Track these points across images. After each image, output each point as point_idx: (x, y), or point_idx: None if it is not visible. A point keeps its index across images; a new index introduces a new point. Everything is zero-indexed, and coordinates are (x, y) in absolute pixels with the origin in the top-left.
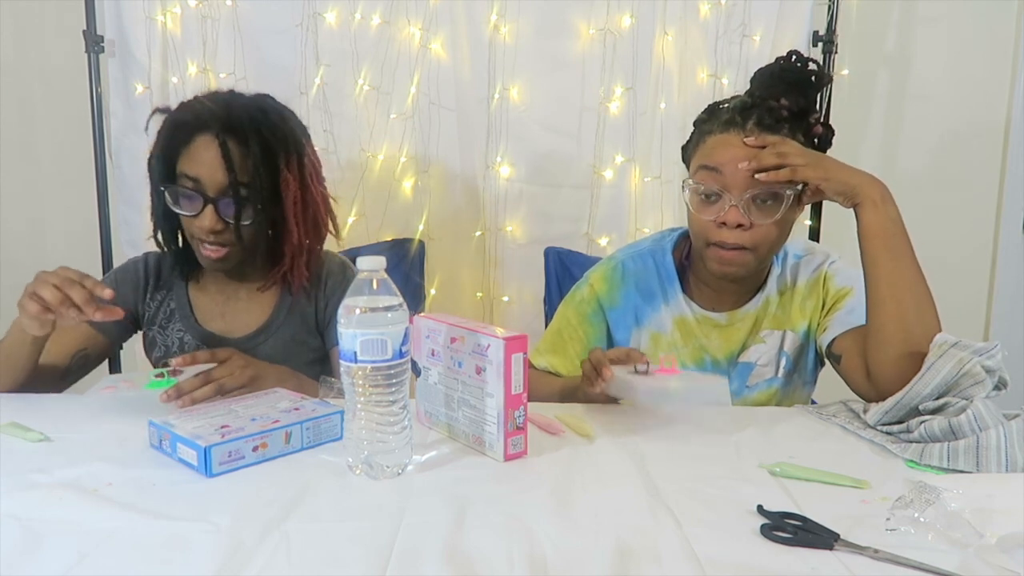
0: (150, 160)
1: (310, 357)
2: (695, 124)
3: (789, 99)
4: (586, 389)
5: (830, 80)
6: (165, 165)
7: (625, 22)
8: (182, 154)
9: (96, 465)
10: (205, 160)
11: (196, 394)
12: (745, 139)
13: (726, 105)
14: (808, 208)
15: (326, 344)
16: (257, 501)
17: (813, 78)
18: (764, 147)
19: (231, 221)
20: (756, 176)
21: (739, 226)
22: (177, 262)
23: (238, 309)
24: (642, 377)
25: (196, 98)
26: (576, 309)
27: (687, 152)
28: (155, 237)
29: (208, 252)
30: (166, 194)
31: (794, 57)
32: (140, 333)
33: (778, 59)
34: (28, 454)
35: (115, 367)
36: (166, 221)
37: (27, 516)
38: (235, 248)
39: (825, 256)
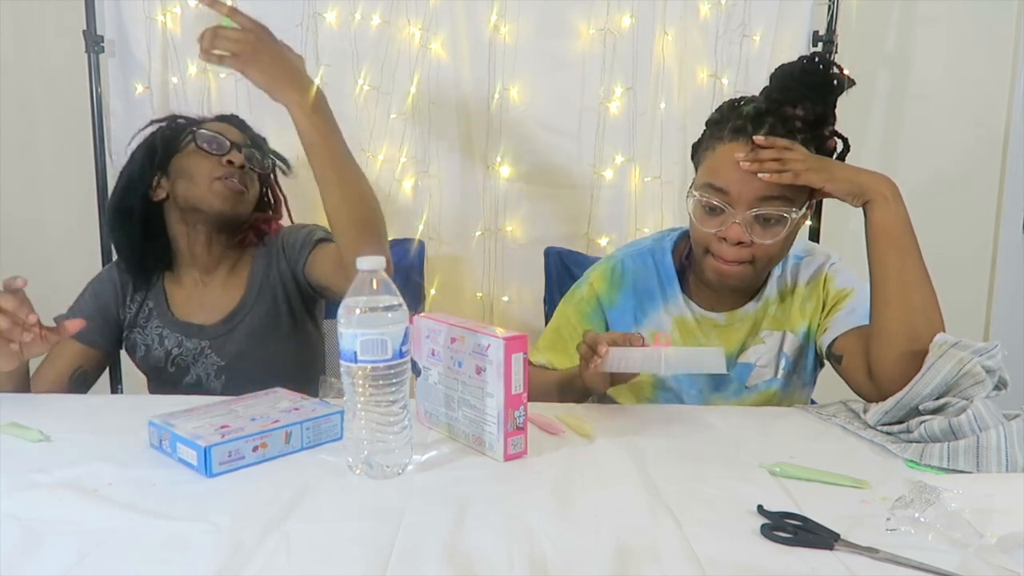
0: (147, 148)
1: (287, 329)
2: (707, 124)
3: (805, 106)
4: (582, 372)
5: (852, 83)
6: (166, 149)
7: (625, 22)
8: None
9: (96, 465)
10: (221, 128)
11: (220, 40)
12: (754, 137)
13: (740, 105)
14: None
15: (311, 282)
16: (257, 501)
17: (835, 82)
18: (771, 148)
19: (250, 167)
20: (759, 175)
21: (739, 243)
22: (146, 262)
23: (214, 296)
24: (639, 348)
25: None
26: (575, 307)
27: (697, 152)
28: (116, 237)
29: (230, 182)
30: (194, 140)
31: (816, 59)
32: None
33: (800, 58)
34: (28, 454)
35: (116, 377)
36: (135, 216)
37: (27, 516)
38: (244, 190)
39: (826, 257)
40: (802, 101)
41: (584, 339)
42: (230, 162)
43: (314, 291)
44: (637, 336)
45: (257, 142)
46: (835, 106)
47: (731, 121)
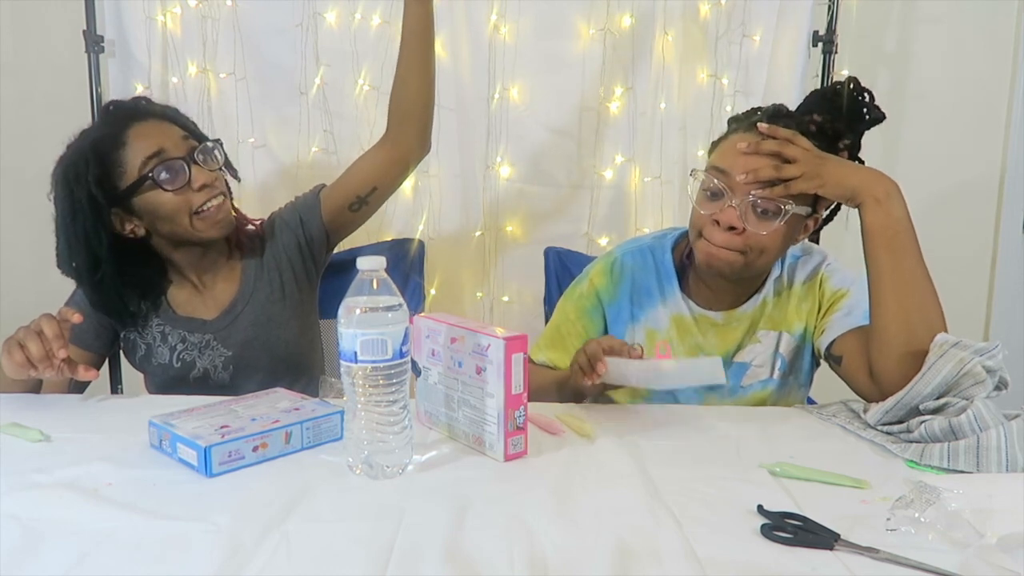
0: (89, 198)
1: (289, 312)
2: (728, 121)
3: (824, 118)
4: (577, 381)
5: (882, 118)
6: (107, 187)
7: (625, 22)
8: (126, 156)
9: (96, 465)
10: (155, 132)
11: None
12: (759, 124)
13: (763, 109)
14: None
15: (334, 222)
16: (257, 501)
17: (863, 110)
18: (775, 138)
19: (213, 168)
20: (752, 192)
21: (732, 228)
22: (143, 296)
23: (213, 291)
24: (636, 360)
25: (92, 126)
26: (575, 304)
27: (713, 147)
28: (97, 287)
29: (211, 209)
30: (153, 180)
31: (851, 84)
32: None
33: (835, 83)
34: (28, 454)
35: (116, 377)
36: (115, 257)
37: (27, 516)
38: (225, 194)
39: (822, 257)
40: (822, 114)
41: (584, 349)
42: (203, 186)
43: (336, 233)
44: (636, 348)
45: (197, 132)
46: (860, 135)
47: (749, 117)
